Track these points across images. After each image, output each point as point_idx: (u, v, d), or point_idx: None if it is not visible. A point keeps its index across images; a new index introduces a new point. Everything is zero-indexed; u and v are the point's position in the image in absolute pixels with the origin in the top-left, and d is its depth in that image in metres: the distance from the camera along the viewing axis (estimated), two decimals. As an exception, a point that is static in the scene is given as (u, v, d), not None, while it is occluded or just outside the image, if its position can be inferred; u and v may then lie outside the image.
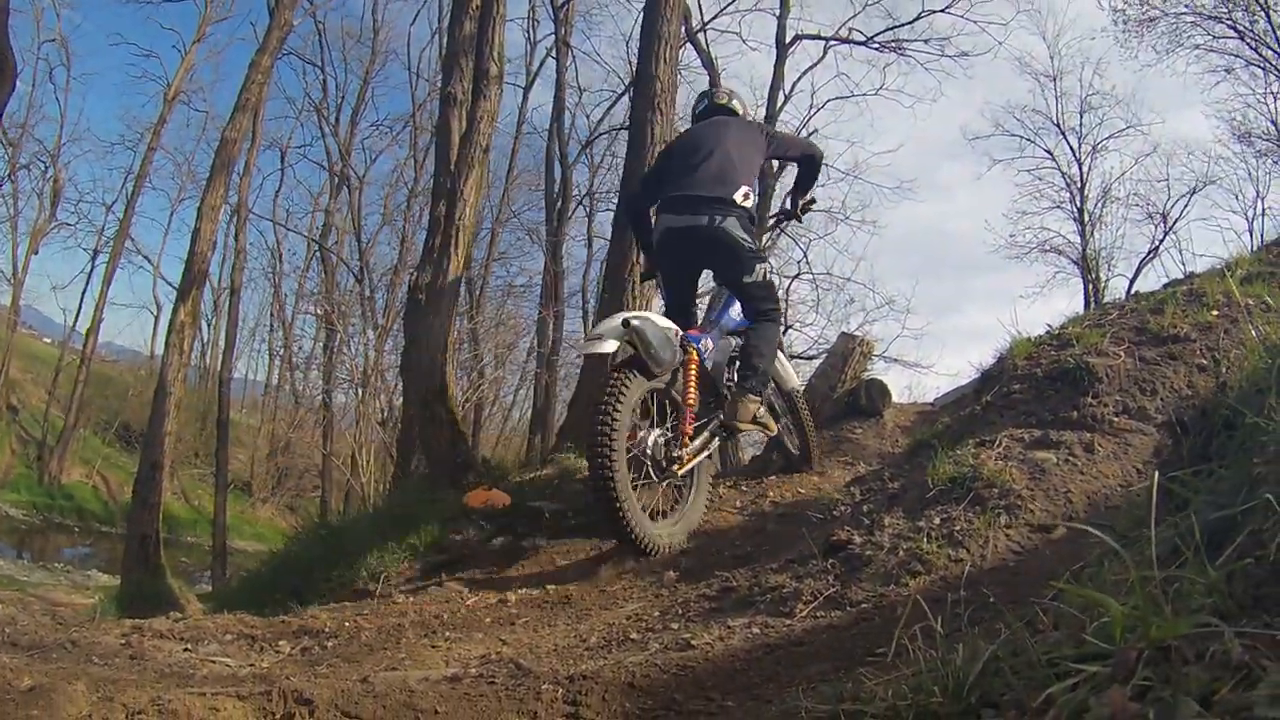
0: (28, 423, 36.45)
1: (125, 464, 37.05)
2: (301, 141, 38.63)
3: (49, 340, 52.93)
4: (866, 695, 2.34)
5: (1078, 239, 30.54)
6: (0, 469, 32.91)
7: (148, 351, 44.76)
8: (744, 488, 8.86)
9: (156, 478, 13.26)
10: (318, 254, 36.16)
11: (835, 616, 4.95)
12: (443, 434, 8.48)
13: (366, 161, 33.32)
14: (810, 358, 28.09)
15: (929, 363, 43.79)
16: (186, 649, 5.26)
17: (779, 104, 24.86)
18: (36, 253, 39.02)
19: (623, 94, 26.34)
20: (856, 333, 12.79)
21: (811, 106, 27.45)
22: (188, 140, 65.91)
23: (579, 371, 10.94)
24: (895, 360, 27.19)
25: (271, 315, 43.46)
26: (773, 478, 9.14)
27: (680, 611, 5.70)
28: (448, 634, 5.73)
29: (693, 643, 4.90)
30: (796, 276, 28.20)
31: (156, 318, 45.34)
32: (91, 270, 39.66)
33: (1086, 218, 30.29)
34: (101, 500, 35.13)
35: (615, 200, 27.89)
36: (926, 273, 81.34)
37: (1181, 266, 28.45)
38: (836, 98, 28.51)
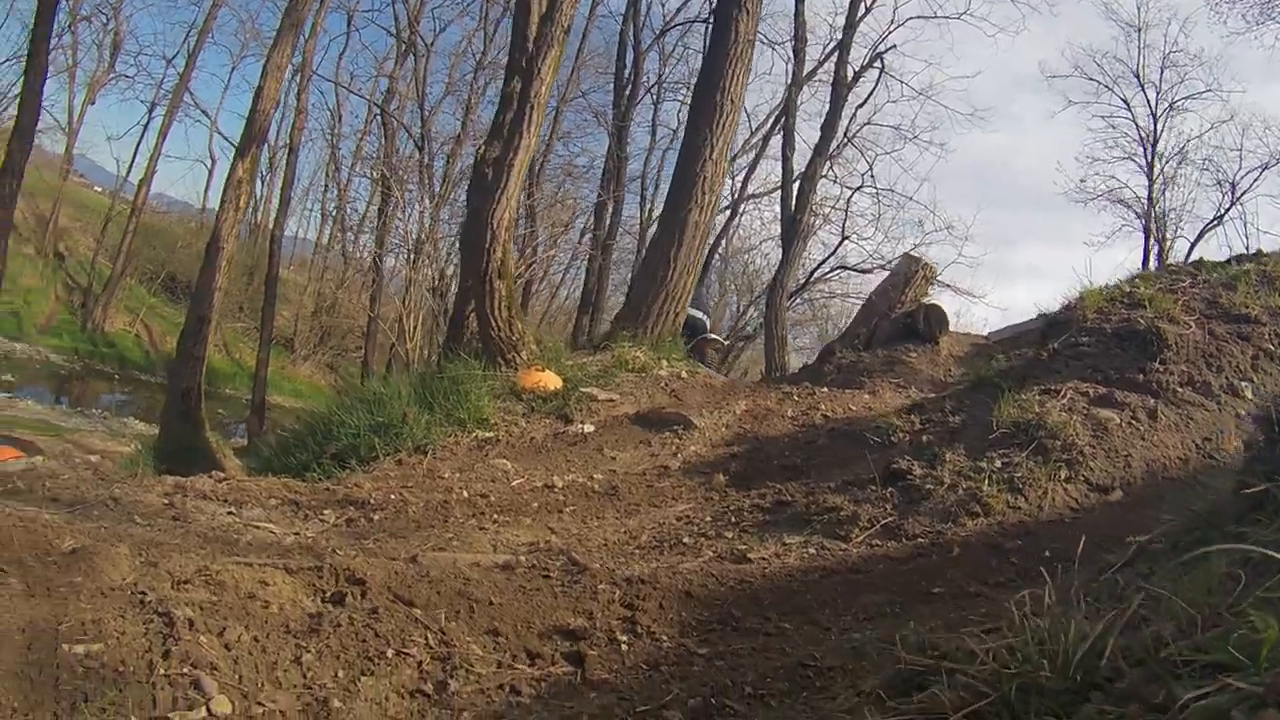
0: (74, 270, 36.14)
1: (169, 314, 37.15)
2: (370, 7, 37.71)
3: (100, 189, 52.94)
4: (962, 655, 2.18)
5: (1144, 194, 29.78)
6: (44, 314, 32.85)
7: (199, 205, 44.83)
8: (795, 398, 8.72)
9: (203, 332, 13.04)
10: (378, 118, 35.62)
11: (891, 547, 4.94)
12: (500, 310, 8.27)
13: (435, 30, 32.24)
14: (864, 270, 27.82)
15: (980, 293, 42.78)
16: (230, 512, 5.18)
17: (859, 13, 24.09)
18: (93, 103, 38.95)
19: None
20: (918, 255, 12.46)
21: (892, 22, 26.61)
22: (253, -2, 64.79)
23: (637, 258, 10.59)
24: (948, 286, 26.67)
25: (326, 176, 42.49)
26: (824, 390, 9.00)
27: (733, 520, 5.66)
28: (495, 516, 5.67)
29: (749, 555, 4.80)
30: (859, 189, 27.54)
31: (210, 172, 45.31)
32: (148, 122, 39.24)
33: (1157, 174, 29.55)
34: (143, 349, 35.07)
35: (685, 92, 27.46)
36: (989, 202, 79.64)
37: (1244, 239, 27.75)
38: (918, 16, 27.54)
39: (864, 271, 28.23)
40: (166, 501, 5.16)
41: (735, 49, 9.35)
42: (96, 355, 32.64)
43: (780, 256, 22.37)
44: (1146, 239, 29.19)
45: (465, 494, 6.11)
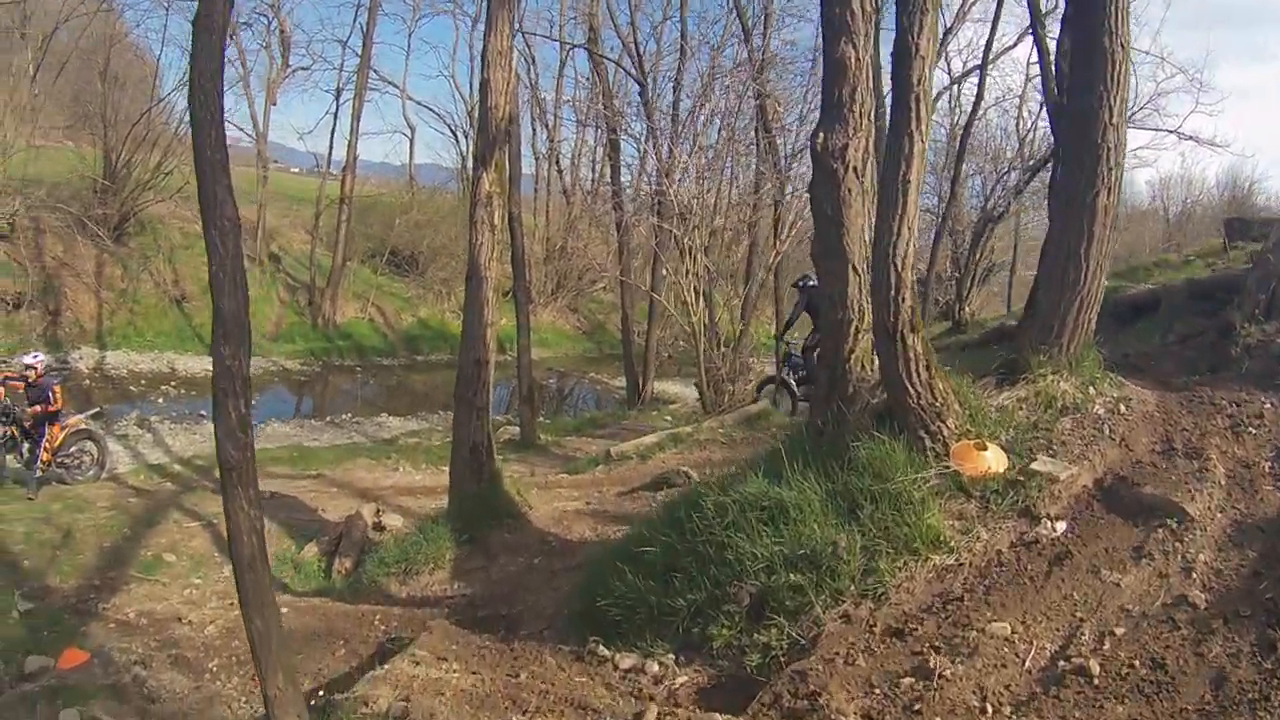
0: (293, 267, 35.98)
1: (398, 290, 37.31)
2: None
3: (296, 170, 53.46)
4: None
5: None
6: (271, 321, 32.49)
7: (406, 174, 44.82)
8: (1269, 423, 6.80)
9: (481, 378, 11.51)
10: (573, 59, 36.60)
11: None
12: (918, 372, 6.43)
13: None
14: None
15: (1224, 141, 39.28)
16: None
17: None
18: (275, 104, 38.57)
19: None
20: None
21: None
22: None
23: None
24: (1193, 139, 24.03)
25: (532, 119, 41.95)
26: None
27: None
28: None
29: None
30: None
31: (411, 141, 45.78)
32: (337, 109, 38.91)
33: None
34: (380, 333, 34.85)
35: None
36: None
37: None
38: None
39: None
40: None
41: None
42: (334, 350, 32.44)
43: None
44: None
45: (960, 690, 4.56)
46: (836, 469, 6.43)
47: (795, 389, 17.74)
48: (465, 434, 11.60)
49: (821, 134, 7.32)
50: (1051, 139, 23.37)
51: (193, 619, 9.55)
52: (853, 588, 5.66)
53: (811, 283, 16.75)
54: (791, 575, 5.77)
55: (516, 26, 14.14)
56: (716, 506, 6.61)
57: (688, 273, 18.78)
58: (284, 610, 9.58)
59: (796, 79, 24.48)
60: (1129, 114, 9.73)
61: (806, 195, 18.88)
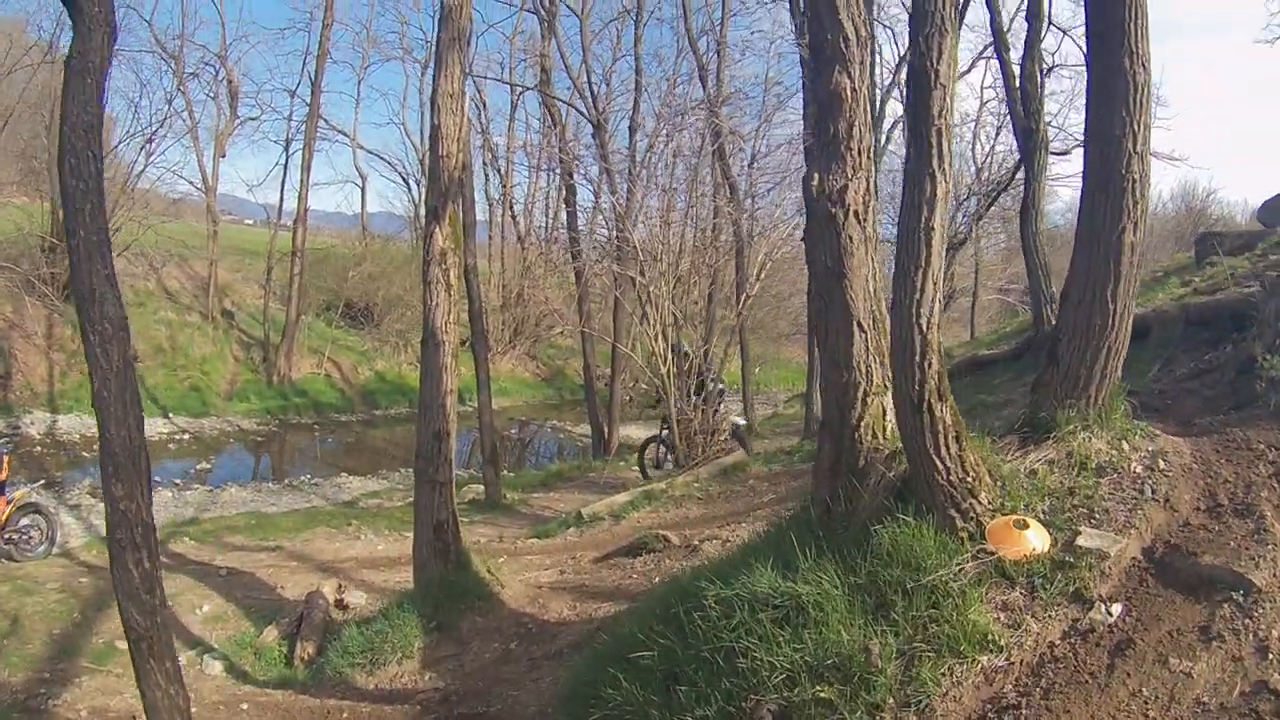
0: (246, 323, 35.41)
1: (354, 344, 36.70)
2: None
3: (250, 222, 53.11)
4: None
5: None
6: (225, 380, 31.99)
7: (358, 224, 44.98)
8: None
9: (442, 451, 10.53)
10: (523, 103, 37.52)
11: None
12: (947, 445, 5.64)
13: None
14: (1062, 153, 26.22)
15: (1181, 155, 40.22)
16: None
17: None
18: (224, 156, 38.42)
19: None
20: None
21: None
22: (359, 7, 64.87)
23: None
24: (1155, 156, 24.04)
25: (484, 164, 42.48)
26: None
27: None
28: None
29: None
30: (1052, 69, 24.74)
31: (363, 190, 46.11)
32: (287, 159, 38.99)
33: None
34: (336, 389, 34.14)
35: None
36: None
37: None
38: None
39: (1062, 154, 25.97)
40: None
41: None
42: (290, 408, 31.83)
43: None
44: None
45: None
46: (856, 556, 5.61)
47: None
48: (428, 514, 10.64)
49: (816, 175, 6.58)
50: (1015, 160, 22.97)
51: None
52: (891, 700, 4.86)
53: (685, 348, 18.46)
54: (818, 688, 4.96)
55: (467, 69, 13.28)
56: (721, 604, 5.77)
57: (653, 321, 18.11)
58: (244, 706, 8.81)
59: (749, 117, 24.03)
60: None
61: (771, 235, 18.53)
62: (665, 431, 18.76)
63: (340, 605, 11.31)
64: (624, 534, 13.13)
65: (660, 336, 18.01)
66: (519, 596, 10.51)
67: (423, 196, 45.98)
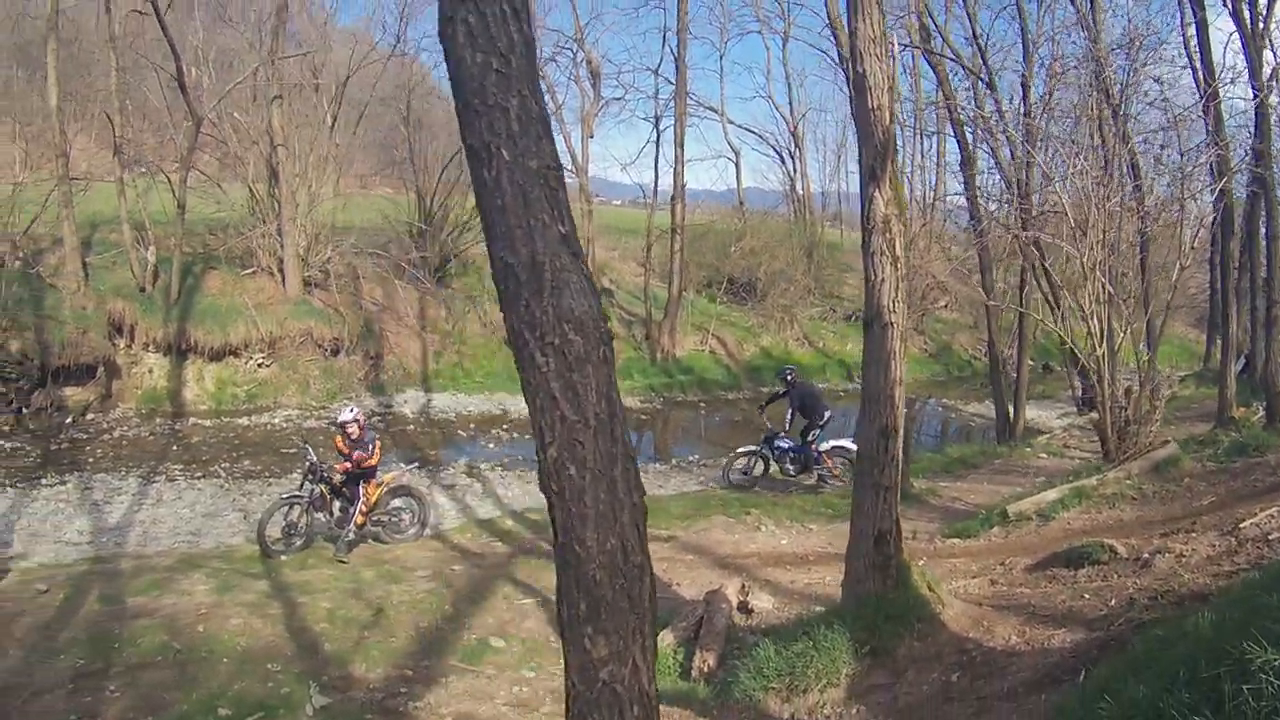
0: (626, 300, 35.58)
1: (738, 319, 35.91)
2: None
3: (617, 203, 54.05)
4: None
5: None
6: (611, 357, 31.57)
7: (729, 199, 44.77)
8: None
9: (889, 449, 8.79)
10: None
11: None
12: None
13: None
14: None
15: None
16: None
17: None
18: (592, 136, 38.62)
19: None
20: None
21: None
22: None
23: None
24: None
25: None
26: None
27: None
28: None
29: None
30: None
31: (737, 164, 45.78)
32: (658, 137, 39.55)
33: None
34: (721, 365, 33.34)
35: None
36: None
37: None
38: None
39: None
40: None
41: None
42: (674, 385, 31.44)
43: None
44: None
45: None
46: None
47: (784, 468, 18.73)
48: (869, 522, 8.89)
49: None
50: None
51: (523, 730, 7.80)
52: None
53: (790, 376, 19.17)
54: None
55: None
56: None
57: (1086, 297, 15.91)
58: None
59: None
60: None
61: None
62: (763, 446, 18.89)
63: (744, 609, 10.06)
64: (1054, 537, 11.41)
65: (1095, 316, 15.78)
66: (959, 616, 8.61)
67: (797, 169, 45.09)
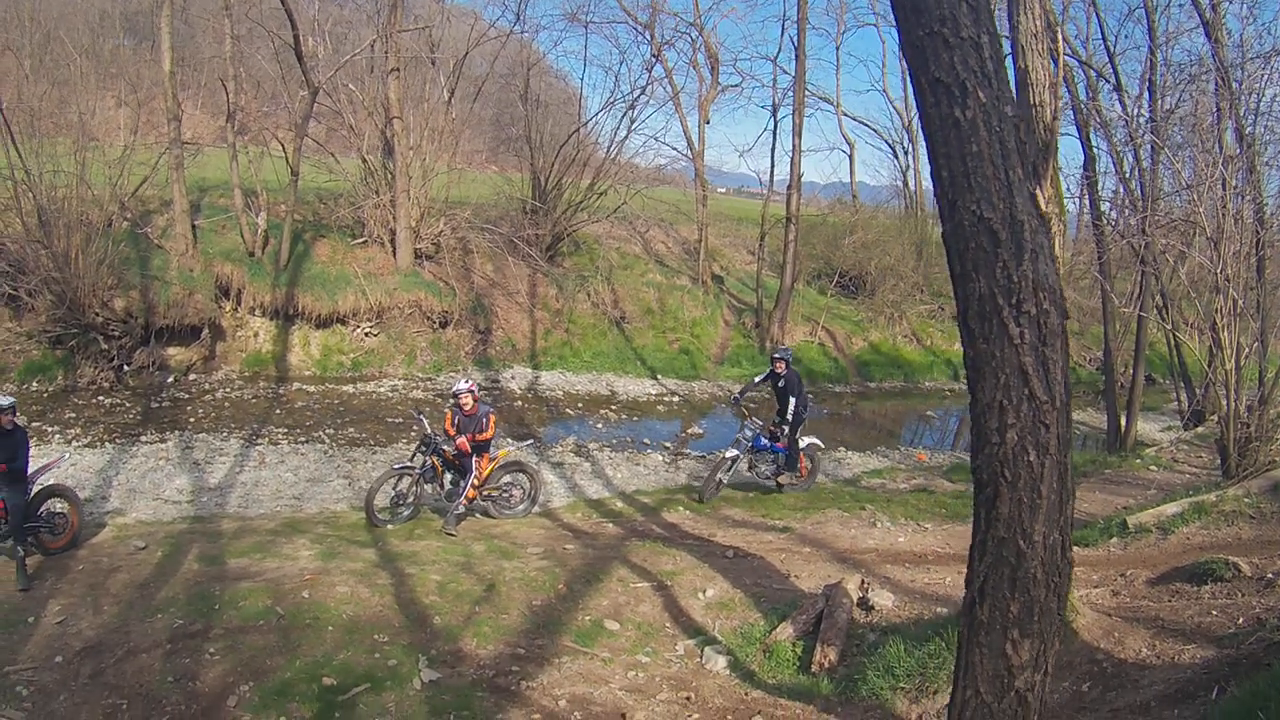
0: (736, 288, 35.17)
1: (848, 313, 35.29)
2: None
3: (723, 191, 53.69)
4: None
5: None
6: (717, 343, 31.64)
7: (839, 191, 44.34)
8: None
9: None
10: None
11: None
12: None
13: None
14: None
15: None
16: None
17: None
18: (708, 122, 38.34)
19: None
20: None
21: None
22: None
23: None
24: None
25: None
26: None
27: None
28: None
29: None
30: None
31: (850, 156, 46.05)
32: (775, 125, 39.30)
33: None
34: (829, 358, 32.59)
35: None
36: None
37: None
38: None
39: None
40: None
41: None
42: (783, 375, 30.73)
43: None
44: None
45: None
46: None
47: (758, 470, 16.68)
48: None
49: None
50: None
51: (640, 717, 7.60)
52: None
53: (778, 356, 16.36)
54: None
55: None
56: None
57: (1219, 310, 15.24)
58: (755, 718, 7.58)
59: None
60: None
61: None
62: (733, 453, 16.22)
63: (864, 605, 9.68)
64: (1173, 551, 11.11)
65: (1226, 330, 15.12)
66: (1090, 626, 8.33)
67: (911, 164, 44.42)
